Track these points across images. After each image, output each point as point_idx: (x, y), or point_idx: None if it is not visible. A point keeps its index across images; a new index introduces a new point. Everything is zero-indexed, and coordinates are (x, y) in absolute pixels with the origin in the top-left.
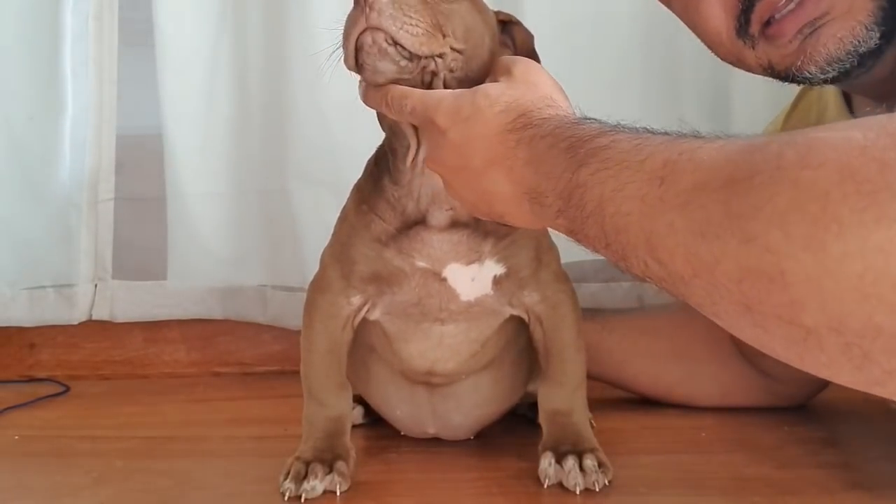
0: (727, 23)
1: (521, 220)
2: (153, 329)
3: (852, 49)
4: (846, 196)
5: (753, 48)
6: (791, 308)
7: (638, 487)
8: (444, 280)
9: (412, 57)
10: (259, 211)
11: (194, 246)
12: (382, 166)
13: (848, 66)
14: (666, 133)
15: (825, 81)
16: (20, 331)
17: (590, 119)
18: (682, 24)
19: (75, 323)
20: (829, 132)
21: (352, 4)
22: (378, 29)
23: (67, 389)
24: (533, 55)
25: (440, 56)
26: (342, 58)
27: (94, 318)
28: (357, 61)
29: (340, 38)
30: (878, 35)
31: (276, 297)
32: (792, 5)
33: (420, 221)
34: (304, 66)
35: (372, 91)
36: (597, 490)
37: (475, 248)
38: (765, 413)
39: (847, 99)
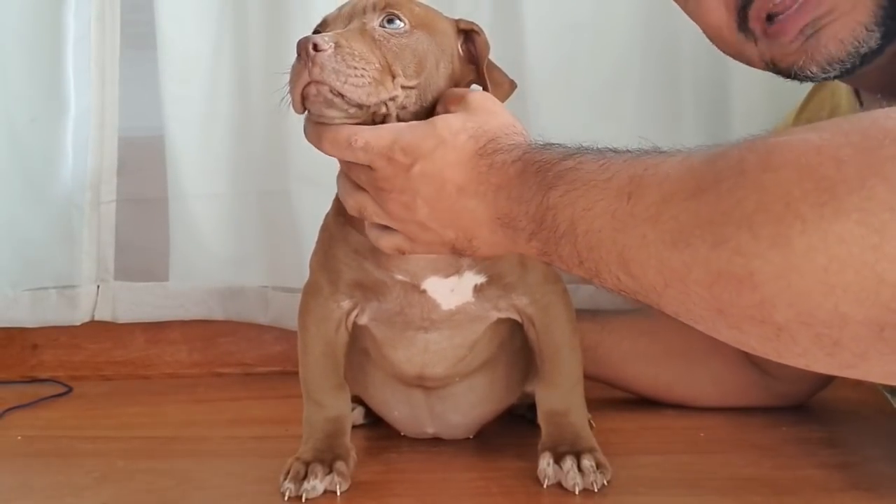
0: (727, 17)
1: (494, 246)
2: (155, 330)
3: (853, 50)
4: (806, 193)
5: (756, 43)
6: (762, 308)
7: (637, 487)
8: (424, 292)
9: (360, 105)
10: (260, 212)
11: (196, 247)
12: None
13: (849, 65)
14: (628, 151)
15: (826, 79)
16: (23, 331)
17: (554, 144)
18: (680, 25)
19: (77, 324)
20: (788, 136)
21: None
22: (322, 83)
23: (70, 390)
24: (483, 55)
25: (391, 99)
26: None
27: (96, 318)
28: (304, 107)
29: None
30: (878, 35)
31: (277, 298)
32: (794, 6)
33: None
34: None
35: (312, 128)
36: (595, 490)
37: (453, 262)
38: (763, 413)
39: (857, 94)
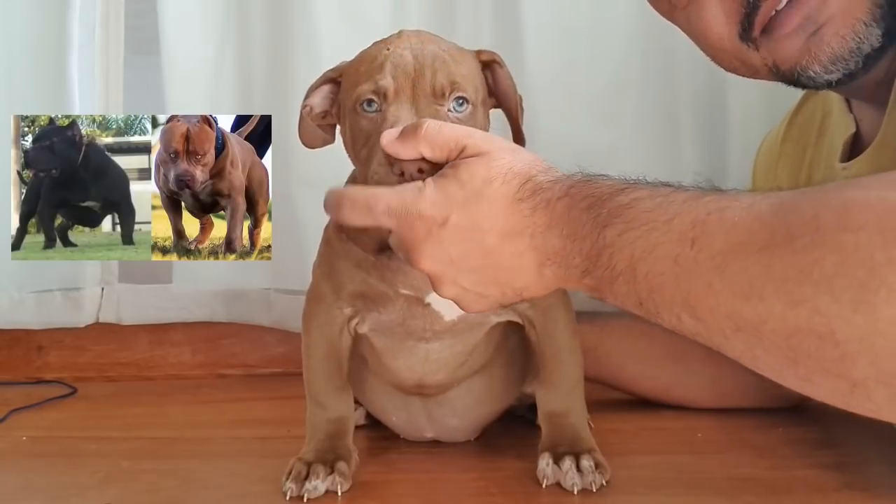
0: (729, 28)
1: (542, 289)
2: (159, 332)
3: (855, 47)
4: (891, 260)
5: (758, 50)
6: (841, 363)
7: (635, 487)
8: (428, 305)
9: None
10: None
11: None
12: None
13: (852, 66)
14: (684, 188)
15: (829, 84)
16: (28, 333)
17: (597, 176)
18: (679, 31)
19: (82, 325)
20: (860, 190)
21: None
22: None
23: (74, 391)
24: (513, 96)
25: None
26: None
27: (100, 320)
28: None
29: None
30: (880, 32)
31: (279, 301)
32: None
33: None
34: (308, 74)
35: (331, 194)
36: (594, 490)
37: None
38: (760, 414)
39: (848, 103)
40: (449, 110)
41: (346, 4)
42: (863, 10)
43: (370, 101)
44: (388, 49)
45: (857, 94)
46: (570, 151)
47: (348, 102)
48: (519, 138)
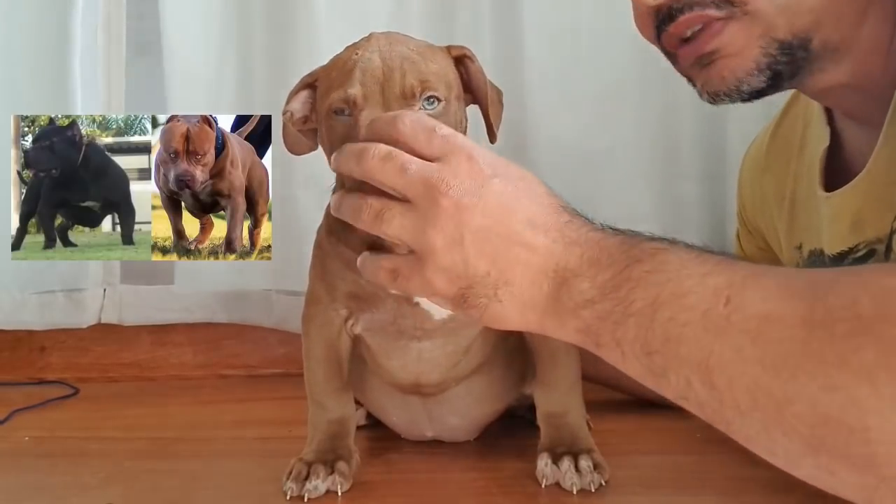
0: (652, 34)
1: (515, 309)
2: (161, 332)
3: (734, 87)
4: None
5: (674, 63)
6: (869, 459)
7: (634, 487)
8: (417, 304)
9: None
10: None
11: None
12: None
13: (737, 99)
14: (713, 253)
15: (723, 103)
16: (30, 334)
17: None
18: None
19: (84, 326)
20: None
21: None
22: None
23: (77, 391)
24: (485, 91)
25: None
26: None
27: (102, 321)
28: None
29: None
30: (765, 78)
31: (280, 302)
32: (689, 34)
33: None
34: None
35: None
36: (592, 490)
37: None
38: None
39: (828, 113)
40: (419, 109)
41: (347, 5)
42: (751, 57)
43: (341, 110)
44: (358, 53)
45: (828, 102)
46: (570, 152)
47: (323, 109)
48: (491, 134)
